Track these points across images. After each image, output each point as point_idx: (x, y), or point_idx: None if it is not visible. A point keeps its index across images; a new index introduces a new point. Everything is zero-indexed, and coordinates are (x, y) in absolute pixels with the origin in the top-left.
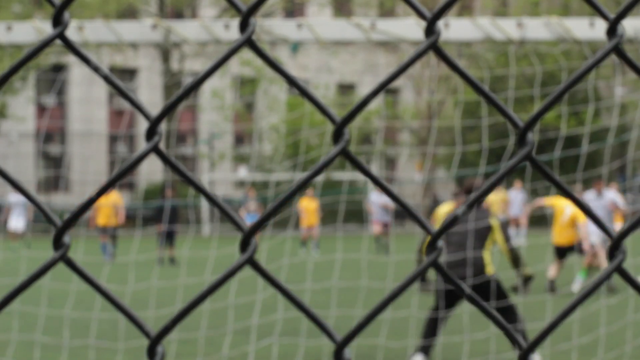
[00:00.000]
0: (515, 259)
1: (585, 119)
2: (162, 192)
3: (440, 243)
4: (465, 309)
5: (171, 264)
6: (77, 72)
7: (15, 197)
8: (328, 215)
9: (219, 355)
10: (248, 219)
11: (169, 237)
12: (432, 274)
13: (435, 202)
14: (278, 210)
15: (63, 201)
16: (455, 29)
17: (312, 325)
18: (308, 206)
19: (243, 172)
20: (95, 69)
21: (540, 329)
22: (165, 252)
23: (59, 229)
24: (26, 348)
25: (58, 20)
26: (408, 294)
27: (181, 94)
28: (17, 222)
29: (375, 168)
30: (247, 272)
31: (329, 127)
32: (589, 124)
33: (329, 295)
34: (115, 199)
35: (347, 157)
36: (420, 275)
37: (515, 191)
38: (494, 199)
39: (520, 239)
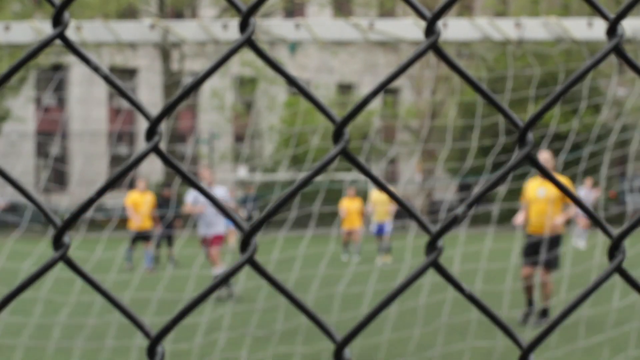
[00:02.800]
0: None
1: (586, 119)
2: (160, 193)
3: (441, 243)
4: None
5: (171, 263)
6: (77, 71)
7: None
8: (328, 217)
9: None
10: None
11: (168, 238)
12: None
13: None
14: (278, 210)
15: (63, 201)
16: (453, 29)
17: (309, 331)
18: (350, 207)
19: (243, 172)
20: (95, 69)
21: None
22: (161, 252)
23: (59, 229)
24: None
25: (58, 20)
26: (413, 295)
27: (181, 94)
28: None
29: (374, 168)
30: (247, 283)
31: (329, 128)
32: (581, 122)
33: (332, 299)
34: (150, 199)
35: (347, 157)
36: (418, 276)
37: (586, 189)
38: (378, 198)
39: (581, 241)
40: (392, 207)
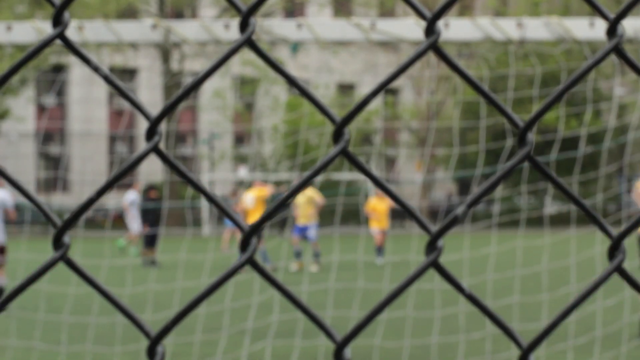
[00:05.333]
0: None
1: (587, 120)
2: (146, 193)
3: (441, 243)
4: (461, 309)
5: (152, 265)
6: (77, 72)
7: None
8: (327, 216)
9: (213, 358)
10: None
11: (151, 239)
12: None
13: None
14: (278, 210)
15: (62, 201)
16: (455, 28)
17: (307, 326)
18: (378, 206)
19: (243, 172)
20: (95, 69)
21: (536, 329)
22: (148, 253)
23: (59, 229)
24: (24, 353)
25: (58, 20)
26: (404, 295)
27: (181, 94)
28: None
29: (374, 168)
30: (243, 275)
31: (329, 128)
32: (586, 125)
33: (325, 296)
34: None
35: (347, 157)
36: (418, 276)
37: None
38: (300, 199)
39: None
40: (314, 209)
